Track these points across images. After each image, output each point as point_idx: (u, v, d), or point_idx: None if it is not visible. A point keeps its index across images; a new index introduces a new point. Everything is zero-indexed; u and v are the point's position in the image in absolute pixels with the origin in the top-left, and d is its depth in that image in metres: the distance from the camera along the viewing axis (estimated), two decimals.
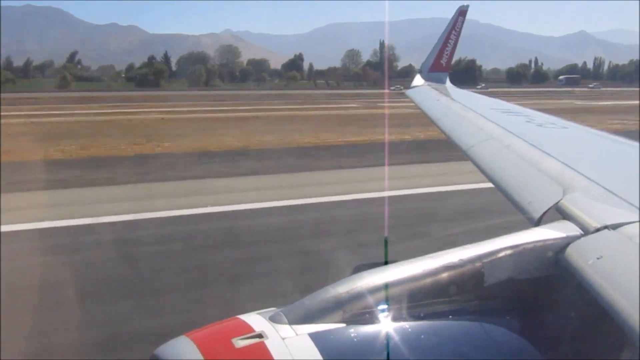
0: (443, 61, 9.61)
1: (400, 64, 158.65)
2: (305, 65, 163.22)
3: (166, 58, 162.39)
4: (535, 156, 3.66)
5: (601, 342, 2.07)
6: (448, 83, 9.54)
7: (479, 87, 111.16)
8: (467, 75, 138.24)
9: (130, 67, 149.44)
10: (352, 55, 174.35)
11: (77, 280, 9.33)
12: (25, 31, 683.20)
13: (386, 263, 2.20)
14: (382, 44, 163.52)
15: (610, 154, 4.13)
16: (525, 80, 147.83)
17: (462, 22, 9.48)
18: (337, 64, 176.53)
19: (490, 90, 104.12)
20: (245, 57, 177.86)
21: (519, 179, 3.45)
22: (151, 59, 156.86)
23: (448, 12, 10.30)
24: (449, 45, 9.52)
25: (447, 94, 8.25)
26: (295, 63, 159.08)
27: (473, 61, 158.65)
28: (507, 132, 4.59)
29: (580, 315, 2.13)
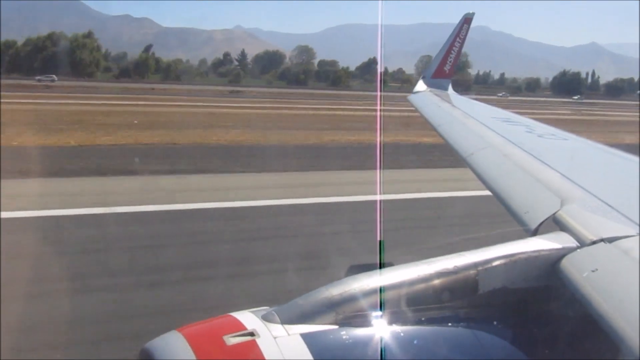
0: (446, 68, 9.61)
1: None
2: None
3: (243, 56, 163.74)
4: (534, 166, 3.66)
5: (593, 354, 2.08)
6: (450, 90, 9.53)
7: (576, 97, 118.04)
8: (571, 86, 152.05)
9: (202, 63, 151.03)
10: (426, 60, 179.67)
11: None
12: (39, 19, 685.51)
13: (381, 265, 2.21)
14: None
15: (610, 168, 4.12)
16: (625, 92, 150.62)
17: (467, 30, 9.51)
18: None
19: (589, 101, 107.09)
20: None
21: (517, 189, 3.44)
22: (226, 55, 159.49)
23: (458, 18, 10.32)
24: (452, 52, 9.52)
25: (448, 101, 8.26)
26: (370, 66, 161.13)
27: (578, 73, 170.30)
28: (507, 141, 4.58)
29: (573, 326, 2.13)
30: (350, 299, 1.98)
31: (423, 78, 9.87)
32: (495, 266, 2.15)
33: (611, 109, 79.28)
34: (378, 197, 13.28)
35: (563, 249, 2.23)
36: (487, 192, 3.80)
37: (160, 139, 26.85)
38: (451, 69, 9.65)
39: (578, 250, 2.22)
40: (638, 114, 51.45)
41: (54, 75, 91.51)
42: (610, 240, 2.21)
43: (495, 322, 2.14)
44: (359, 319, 1.97)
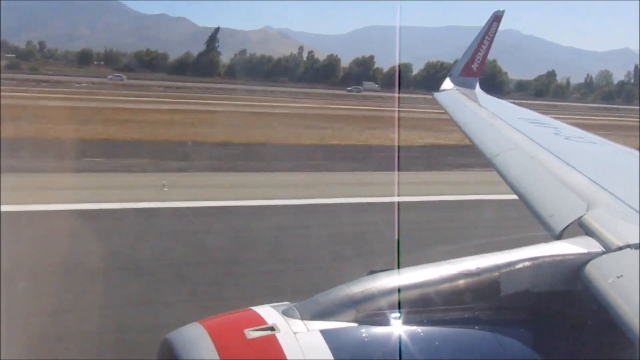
0: (474, 66, 9.44)
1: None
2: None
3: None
4: (561, 169, 3.61)
5: None
6: (477, 88, 9.37)
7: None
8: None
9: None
10: (604, 75, 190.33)
11: None
12: (78, 18, 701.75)
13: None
14: (637, 68, 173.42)
15: (638, 172, 4.01)
16: None
17: (497, 28, 9.33)
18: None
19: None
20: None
21: (543, 191, 3.40)
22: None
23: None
24: (481, 50, 9.36)
25: (475, 100, 8.13)
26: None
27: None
28: (534, 142, 4.53)
29: (596, 333, 2.10)
30: (371, 297, 1.98)
31: (450, 76, 9.73)
32: (519, 269, 2.13)
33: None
34: None
35: (588, 253, 2.19)
36: None
37: None
38: (479, 67, 9.48)
39: (603, 255, 2.18)
40: None
41: (360, 87, 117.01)
42: (637, 246, 2.17)
43: (516, 325, 2.12)
44: (379, 318, 1.97)
